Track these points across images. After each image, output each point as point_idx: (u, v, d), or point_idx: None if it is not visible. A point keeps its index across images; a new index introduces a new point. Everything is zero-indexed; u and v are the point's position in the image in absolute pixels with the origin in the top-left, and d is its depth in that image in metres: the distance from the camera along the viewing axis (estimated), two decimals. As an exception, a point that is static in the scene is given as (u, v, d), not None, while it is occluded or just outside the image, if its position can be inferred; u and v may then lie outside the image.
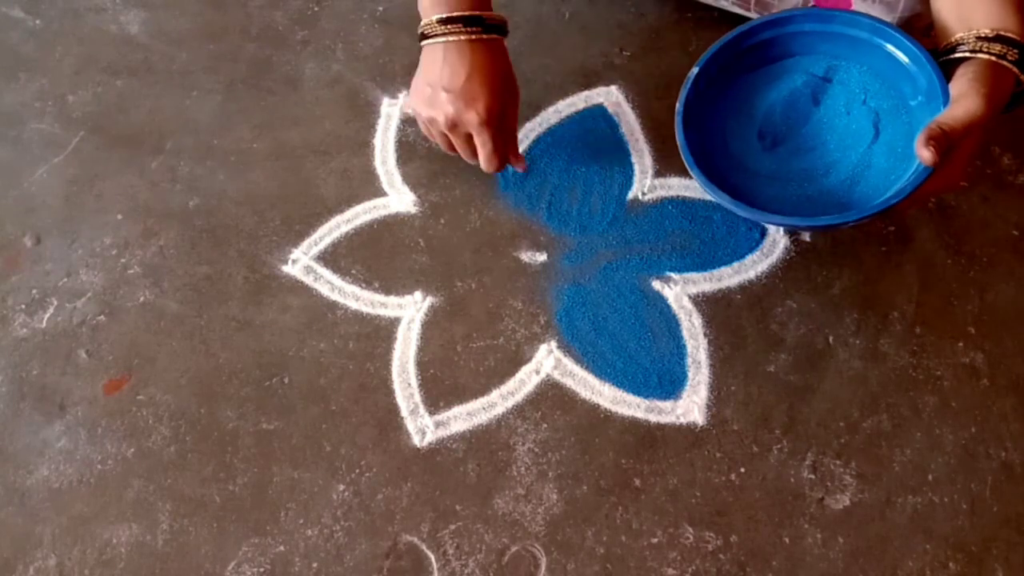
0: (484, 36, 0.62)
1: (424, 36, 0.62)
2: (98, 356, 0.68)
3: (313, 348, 0.68)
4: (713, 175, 0.60)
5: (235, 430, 0.65)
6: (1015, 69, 0.54)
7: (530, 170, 0.75)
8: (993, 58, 0.54)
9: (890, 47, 0.60)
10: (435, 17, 0.61)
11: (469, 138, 0.65)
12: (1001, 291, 0.69)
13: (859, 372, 0.66)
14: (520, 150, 0.76)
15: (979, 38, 0.55)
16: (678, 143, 0.61)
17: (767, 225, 0.71)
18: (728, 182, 0.61)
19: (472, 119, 0.63)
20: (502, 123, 0.65)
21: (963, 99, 0.53)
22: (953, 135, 0.53)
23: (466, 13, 0.61)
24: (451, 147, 0.68)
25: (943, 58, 0.57)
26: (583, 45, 0.82)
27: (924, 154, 0.52)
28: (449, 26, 0.61)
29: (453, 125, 0.64)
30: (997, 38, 0.54)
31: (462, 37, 0.61)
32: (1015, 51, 0.54)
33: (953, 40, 0.57)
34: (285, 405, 0.66)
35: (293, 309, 0.70)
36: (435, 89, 0.63)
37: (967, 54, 0.55)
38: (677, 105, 0.62)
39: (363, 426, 0.65)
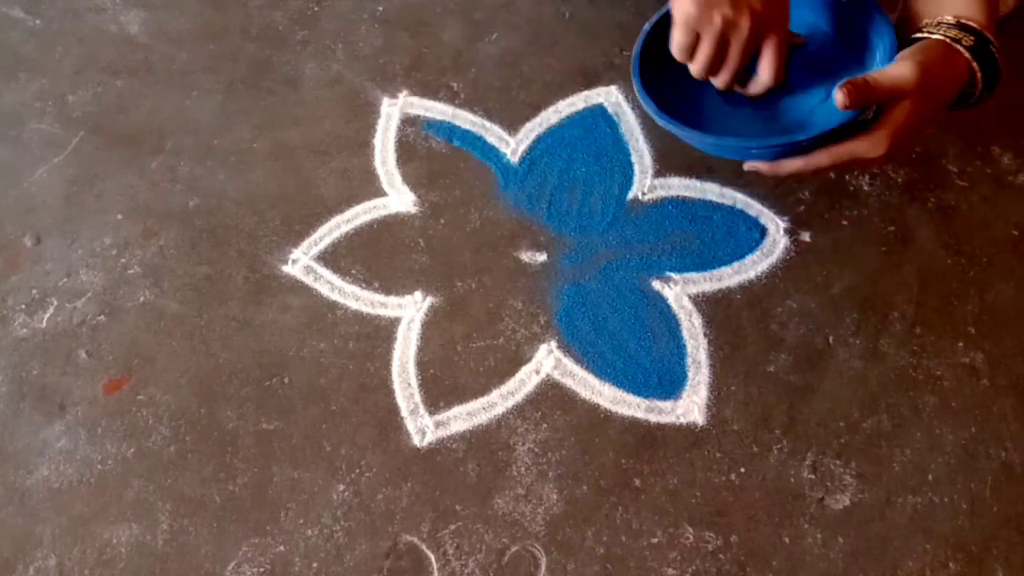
0: None
1: None
2: (98, 356, 0.68)
3: (313, 348, 0.68)
4: (658, 98, 0.61)
5: (235, 430, 0.65)
6: (967, 54, 0.54)
7: (530, 170, 0.75)
8: (947, 39, 0.55)
9: (860, 17, 0.61)
10: None
11: (746, 46, 0.57)
12: (1001, 291, 0.69)
13: (859, 372, 0.66)
14: (521, 149, 0.77)
15: (940, 23, 0.56)
16: (632, 61, 0.62)
17: (690, 143, 0.67)
18: (672, 108, 0.61)
19: (775, 12, 0.56)
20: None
21: (898, 63, 0.54)
22: (876, 88, 0.53)
23: None
24: (714, 64, 0.59)
25: (908, 38, 0.58)
26: (583, 45, 0.82)
27: (838, 96, 0.52)
28: None
29: (754, 23, 0.55)
30: (957, 24, 0.55)
31: None
32: (971, 38, 0.55)
33: (920, 26, 0.58)
34: (285, 405, 0.66)
35: (293, 309, 0.70)
36: None
37: (925, 35, 0.56)
38: (642, 31, 0.63)
39: (363, 426, 0.65)
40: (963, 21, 0.55)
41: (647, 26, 0.64)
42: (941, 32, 0.55)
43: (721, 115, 0.64)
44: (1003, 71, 0.56)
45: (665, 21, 0.63)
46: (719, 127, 0.63)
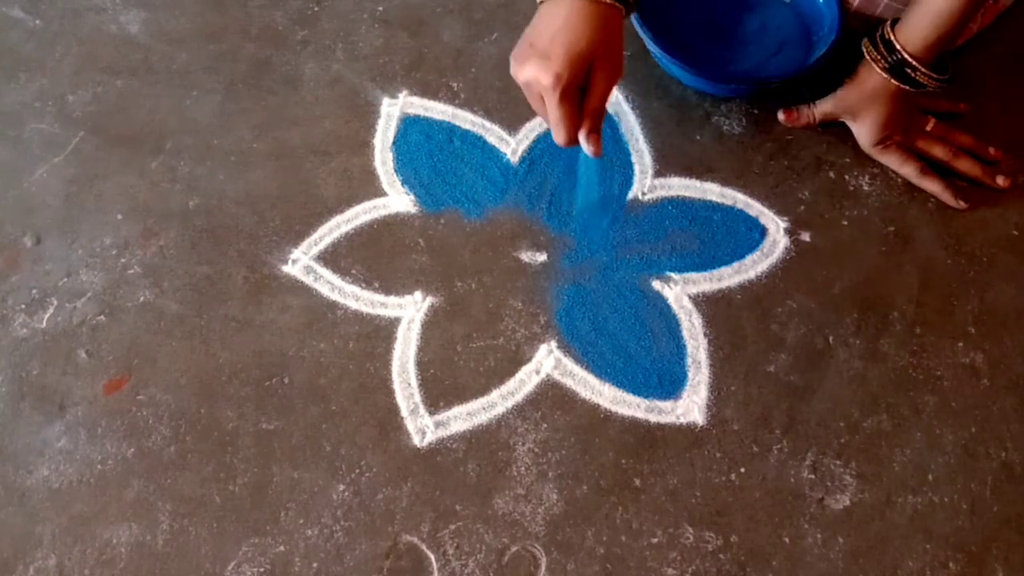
0: None
1: None
2: (98, 356, 0.68)
3: (313, 348, 0.68)
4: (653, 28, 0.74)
5: (235, 430, 0.65)
6: (884, 74, 0.70)
7: (530, 170, 0.75)
8: (867, 59, 0.71)
9: None
10: None
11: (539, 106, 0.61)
12: (1001, 291, 0.69)
13: (859, 372, 0.66)
14: (521, 149, 0.76)
15: (877, 40, 0.70)
16: None
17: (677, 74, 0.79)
18: (662, 43, 0.74)
19: (542, 80, 0.57)
20: (575, 93, 0.59)
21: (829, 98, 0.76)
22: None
23: None
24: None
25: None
26: (583, 45, 0.82)
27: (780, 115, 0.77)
28: None
29: (526, 83, 0.59)
30: (885, 43, 0.69)
31: None
32: (886, 60, 0.69)
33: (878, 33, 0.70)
34: (285, 405, 0.66)
35: (293, 309, 0.70)
36: (523, 43, 0.59)
37: (864, 48, 0.71)
38: None
39: (363, 426, 0.65)
40: (893, 42, 0.67)
41: None
42: (867, 50, 0.70)
43: (695, 53, 0.77)
44: (942, 73, 0.68)
45: None
46: (691, 55, 0.75)
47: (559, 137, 0.60)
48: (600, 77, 0.59)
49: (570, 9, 0.58)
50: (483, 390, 0.66)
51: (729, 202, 0.73)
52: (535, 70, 0.57)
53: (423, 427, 0.65)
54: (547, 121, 0.61)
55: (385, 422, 0.65)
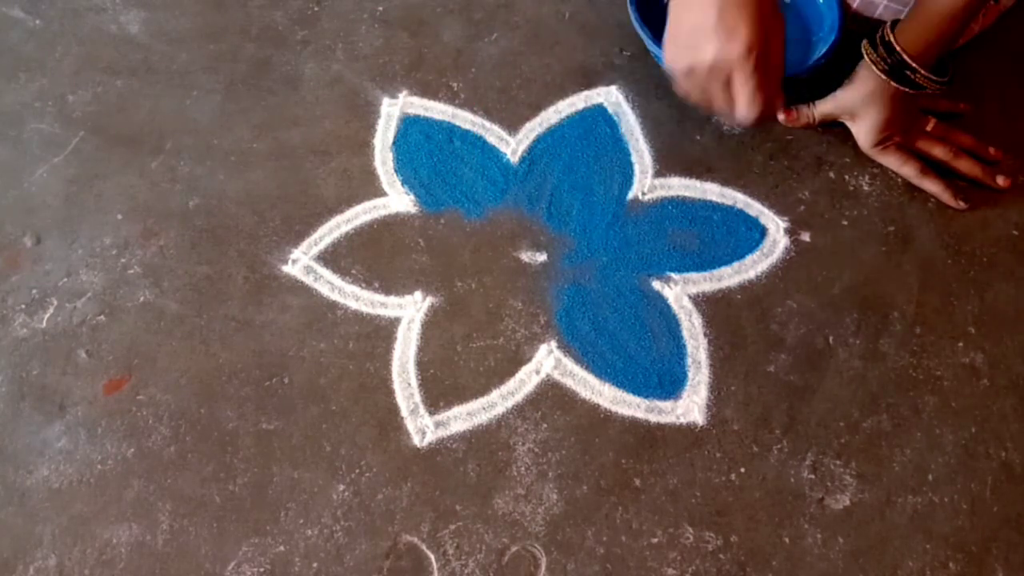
0: None
1: None
2: (98, 356, 0.68)
3: (313, 348, 0.68)
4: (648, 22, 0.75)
5: (235, 430, 0.65)
6: (882, 76, 0.69)
7: (530, 170, 0.75)
8: (868, 61, 0.70)
9: None
10: None
11: (728, 84, 0.59)
12: (1001, 291, 0.69)
13: (859, 372, 0.66)
14: (521, 149, 0.76)
15: (878, 43, 0.69)
16: None
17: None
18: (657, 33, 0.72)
19: (733, 51, 0.56)
20: (767, 58, 0.57)
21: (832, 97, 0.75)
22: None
23: None
24: (710, 103, 0.61)
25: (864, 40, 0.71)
26: (583, 45, 0.82)
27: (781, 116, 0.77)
28: None
29: (713, 66, 0.57)
30: (886, 45, 0.68)
31: None
32: (886, 62, 0.69)
33: (877, 35, 0.70)
34: (285, 405, 0.66)
35: (293, 309, 0.70)
36: (689, 33, 0.58)
37: (864, 51, 0.70)
38: None
39: (363, 426, 0.65)
40: (893, 44, 0.67)
41: None
42: (866, 52, 0.70)
43: None
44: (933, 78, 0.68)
45: None
46: None
47: (756, 106, 0.58)
48: (775, 34, 0.58)
49: None
50: (483, 390, 0.66)
51: (729, 202, 0.74)
52: (725, 45, 0.55)
53: (423, 427, 0.65)
54: (725, 105, 0.60)
55: (385, 422, 0.65)
